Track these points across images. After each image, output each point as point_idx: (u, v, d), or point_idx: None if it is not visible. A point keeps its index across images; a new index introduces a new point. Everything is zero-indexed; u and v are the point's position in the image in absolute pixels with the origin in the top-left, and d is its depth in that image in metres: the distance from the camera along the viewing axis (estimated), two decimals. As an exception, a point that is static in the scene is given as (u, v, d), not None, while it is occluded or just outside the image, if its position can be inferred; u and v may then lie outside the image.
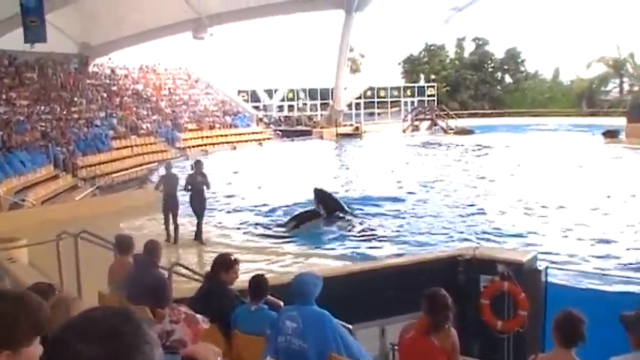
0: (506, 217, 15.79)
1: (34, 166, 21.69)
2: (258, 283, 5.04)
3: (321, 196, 16.28)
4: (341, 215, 15.61)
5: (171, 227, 13.86)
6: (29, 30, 23.19)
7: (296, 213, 15.63)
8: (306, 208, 15.80)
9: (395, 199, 18.61)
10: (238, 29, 47.04)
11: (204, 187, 13.81)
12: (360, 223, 15.32)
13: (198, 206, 13.74)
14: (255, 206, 18.07)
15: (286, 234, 14.36)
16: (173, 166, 15.95)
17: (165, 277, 6.27)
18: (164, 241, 12.17)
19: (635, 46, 54.04)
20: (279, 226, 15.25)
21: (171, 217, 13.89)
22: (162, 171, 15.58)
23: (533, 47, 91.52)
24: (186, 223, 14.75)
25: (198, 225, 13.77)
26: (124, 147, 30.20)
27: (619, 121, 37.87)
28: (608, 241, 12.98)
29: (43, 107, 28.41)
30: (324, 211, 15.38)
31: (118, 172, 26.58)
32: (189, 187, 13.74)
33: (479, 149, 34.22)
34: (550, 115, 51.99)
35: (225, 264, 5.35)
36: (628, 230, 13.84)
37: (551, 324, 3.96)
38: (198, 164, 14.17)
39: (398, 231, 14.72)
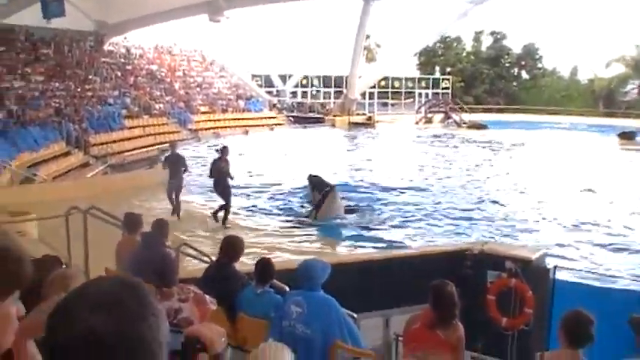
0: (517, 214, 15.70)
1: (46, 141, 21.78)
2: (264, 266, 5.03)
3: (315, 182, 16.28)
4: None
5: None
6: (48, 5, 23.13)
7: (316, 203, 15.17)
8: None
9: (404, 191, 18.57)
10: (255, 13, 46.82)
11: (228, 175, 13.87)
12: (372, 214, 15.33)
13: (224, 191, 13.78)
14: (267, 192, 18.11)
15: (293, 223, 14.30)
16: (178, 147, 16.01)
17: (172, 256, 6.27)
18: (171, 219, 12.18)
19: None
20: (288, 215, 15.23)
21: (174, 195, 14.18)
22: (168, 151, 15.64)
23: (551, 44, 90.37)
24: (196, 203, 14.83)
25: (226, 210, 13.77)
26: (137, 127, 30.22)
27: (636, 123, 37.44)
28: (617, 242, 12.92)
29: (57, 84, 28.42)
30: (319, 196, 15.14)
31: (129, 151, 26.70)
32: (214, 173, 13.82)
33: (492, 144, 34.00)
34: (566, 113, 51.48)
35: (237, 246, 5.38)
36: (638, 232, 13.74)
37: (557, 323, 3.90)
38: (224, 150, 14.10)
39: (406, 222, 14.70)
